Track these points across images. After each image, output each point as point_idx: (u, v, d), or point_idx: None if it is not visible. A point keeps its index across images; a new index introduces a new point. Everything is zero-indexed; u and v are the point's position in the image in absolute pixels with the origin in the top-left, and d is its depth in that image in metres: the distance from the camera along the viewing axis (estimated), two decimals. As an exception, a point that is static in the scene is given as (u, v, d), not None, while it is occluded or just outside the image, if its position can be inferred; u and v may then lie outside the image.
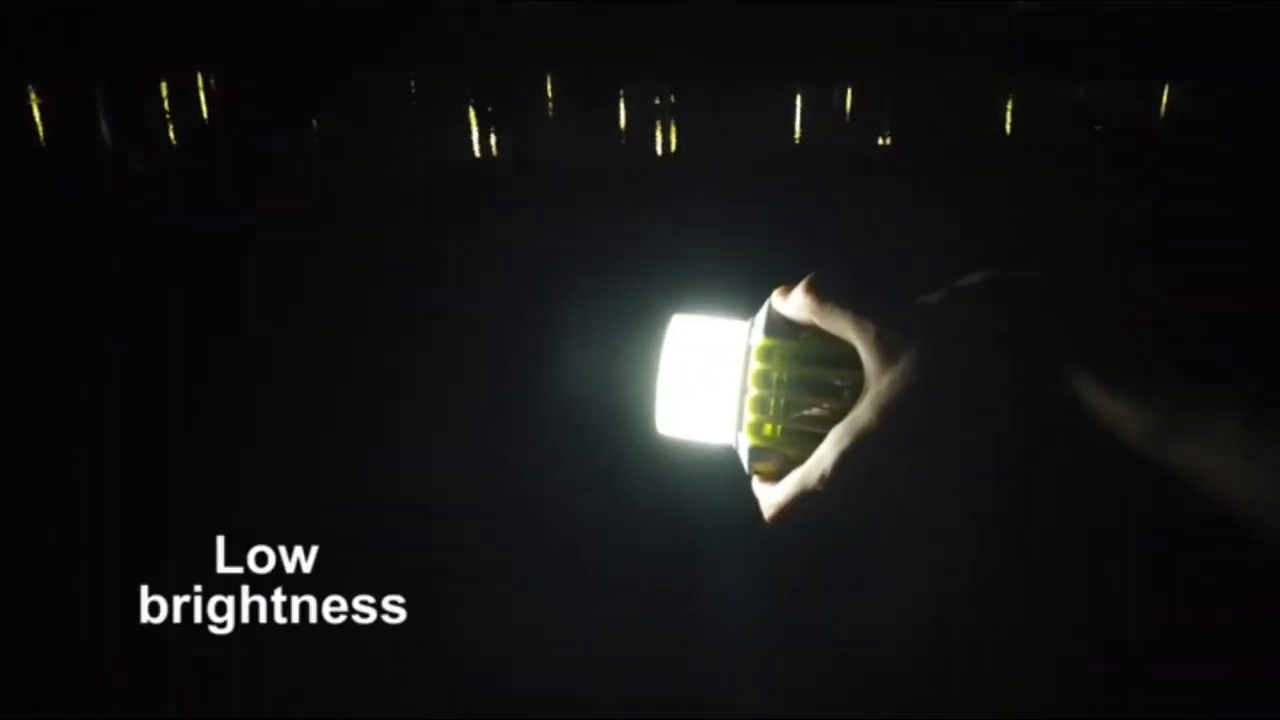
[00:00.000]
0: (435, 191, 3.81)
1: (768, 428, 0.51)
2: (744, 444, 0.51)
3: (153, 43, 4.48)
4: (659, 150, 4.54)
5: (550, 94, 4.83)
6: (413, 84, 4.80)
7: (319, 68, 4.66)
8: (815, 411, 0.50)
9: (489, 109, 4.61)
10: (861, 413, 0.45)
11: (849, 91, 4.89)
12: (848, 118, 4.90)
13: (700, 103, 4.78)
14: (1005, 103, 4.96)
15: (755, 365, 0.51)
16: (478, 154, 4.32)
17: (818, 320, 0.48)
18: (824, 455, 0.46)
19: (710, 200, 3.50)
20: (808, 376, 0.50)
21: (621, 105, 4.80)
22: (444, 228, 3.13)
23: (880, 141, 5.03)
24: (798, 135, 4.69)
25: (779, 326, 0.51)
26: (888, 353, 0.44)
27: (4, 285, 2.31)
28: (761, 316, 0.52)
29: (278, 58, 4.68)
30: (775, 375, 0.50)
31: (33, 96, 4.11)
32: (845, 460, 0.45)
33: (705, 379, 0.52)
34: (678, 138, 4.64)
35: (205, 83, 4.53)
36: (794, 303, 0.49)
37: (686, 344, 0.53)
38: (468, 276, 2.58)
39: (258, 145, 4.48)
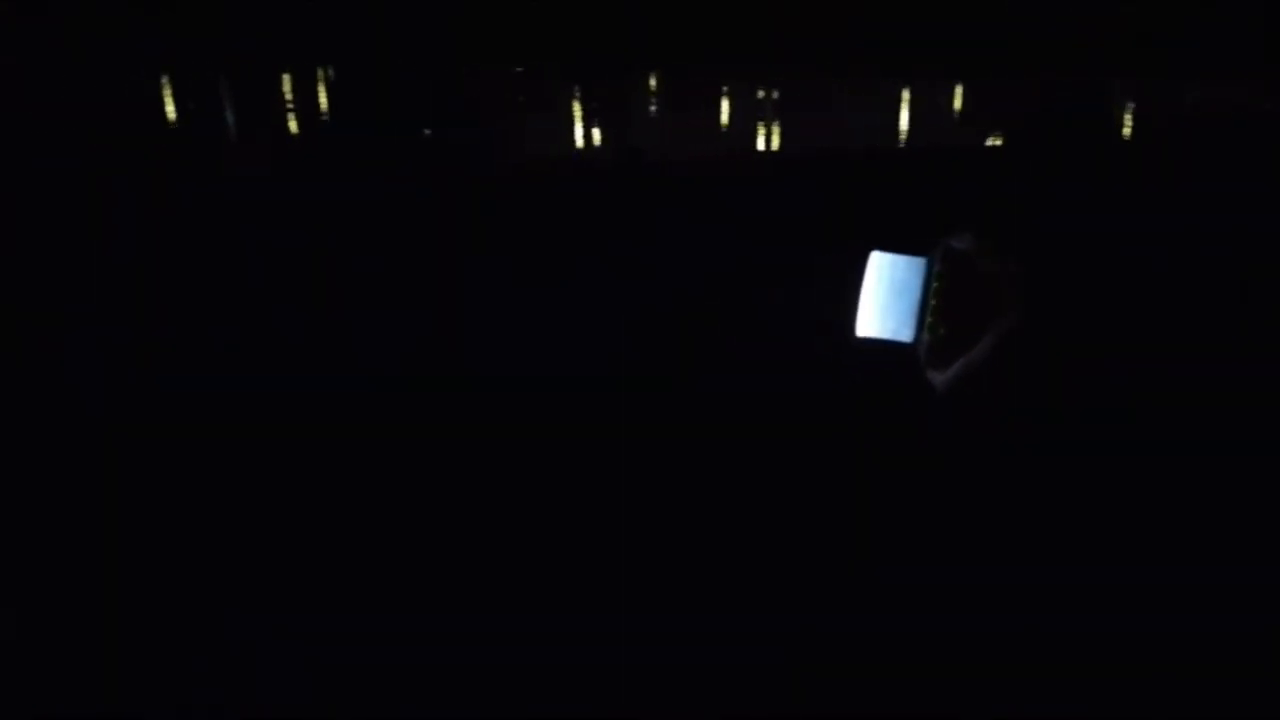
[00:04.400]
0: (539, 183, 3.84)
1: (942, 329, 0.75)
2: (924, 341, 0.76)
3: (276, 36, 4.67)
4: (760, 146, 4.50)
5: (654, 90, 4.84)
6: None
7: (426, 62, 4.77)
8: (975, 316, 0.73)
9: (593, 103, 4.64)
10: (1006, 319, 0.72)
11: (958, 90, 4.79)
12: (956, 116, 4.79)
13: (805, 99, 4.72)
14: (1124, 103, 4.77)
15: (935, 284, 0.75)
16: (580, 145, 4.35)
17: (978, 255, 0.75)
18: (983, 345, 0.71)
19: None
20: (971, 292, 0.74)
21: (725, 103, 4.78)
22: (548, 217, 3.14)
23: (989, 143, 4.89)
24: (904, 133, 4.59)
25: (953, 258, 0.76)
26: (1019, 281, 0.73)
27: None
28: (941, 251, 0.77)
29: (379, 52, 4.82)
30: (949, 291, 0.75)
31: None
32: (998, 349, 0.70)
33: (898, 295, 0.74)
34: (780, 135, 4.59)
35: (325, 76, 4.69)
36: (964, 242, 0.77)
37: (884, 271, 0.75)
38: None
39: (365, 137, 4.63)
